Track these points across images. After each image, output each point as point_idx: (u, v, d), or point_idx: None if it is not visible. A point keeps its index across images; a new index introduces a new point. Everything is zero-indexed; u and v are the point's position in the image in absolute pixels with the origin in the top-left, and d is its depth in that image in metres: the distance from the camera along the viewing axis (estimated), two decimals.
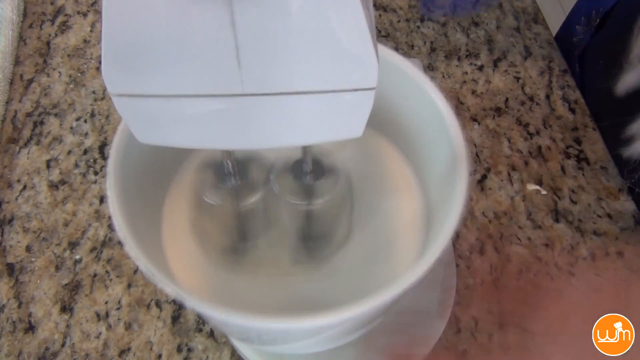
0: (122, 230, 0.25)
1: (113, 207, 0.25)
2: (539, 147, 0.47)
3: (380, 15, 0.56)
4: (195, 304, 0.23)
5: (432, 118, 0.30)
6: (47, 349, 0.37)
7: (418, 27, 0.55)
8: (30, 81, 0.50)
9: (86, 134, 0.47)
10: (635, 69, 0.43)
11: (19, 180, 0.44)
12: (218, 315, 0.23)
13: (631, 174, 0.44)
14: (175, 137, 0.20)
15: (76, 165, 0.45)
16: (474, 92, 0.50)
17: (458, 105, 0.49)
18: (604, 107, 0.49)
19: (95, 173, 0.45)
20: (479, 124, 0.48)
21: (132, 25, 0.17)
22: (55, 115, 0.48)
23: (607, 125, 0.48)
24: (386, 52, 0.31)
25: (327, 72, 0.18)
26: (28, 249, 0.41)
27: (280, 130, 0.20)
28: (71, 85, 0.50)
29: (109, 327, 0.38)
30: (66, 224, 0.42)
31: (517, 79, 0.51)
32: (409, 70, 0.31)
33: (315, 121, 0.20)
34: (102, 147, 0.46)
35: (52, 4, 0.56)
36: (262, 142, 0.21)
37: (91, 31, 0.54)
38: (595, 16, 0.52)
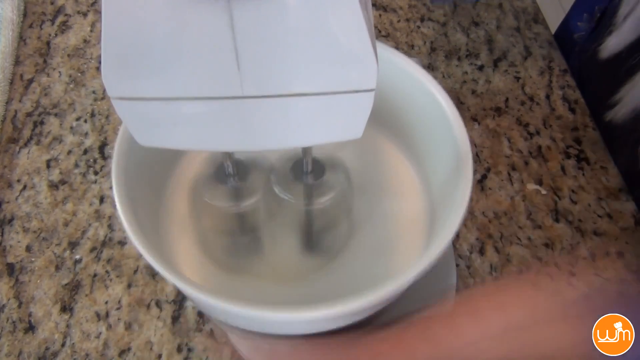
0: (126, 227, 0.25)
1: (118, 205, 0.26)
2: (539, 147, 0.47)
3: (380, 15, 0.56)
4: (201, 296, 0.23)
5: (436, 117, 0.30)
6: (47, 348, 0.37)
7: (418, 27, 0.55)
8: (30, 81, 0.50)
9: (86, 133, 0.47)
10: (620, 30, 0.43)
11: (19, 180, 0.44)
12: (225, 307, 0.23)
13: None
14: (176, 140, 0.20)
15: (76, 165, 0.45)
16: (474, 92, 0.50)
17: (458, 105, 0.49)
18: (591, 73, 0.49)
19: (95, 173, 0.45)
20: (479, 124, 0.48)
21: (132, 29, 0.17)
22: (55, 115, 0.48)
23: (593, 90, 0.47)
24: (389, 51, 0.31)
25: (326, 74, 0.18)
26: (28, 249, 0.41)
27: (279, 132, 0.20)
28: (71, 85, 0.50)
29: (109, 327, 0.38)
30: (66, 224, 0.42)
31: (517, 78, 0.51)
32: (413, 70, 0.31)
33: (314, 123, 0.20)
34: (102, 147, 0.46)
35: (52, 4, 0.56)
36: (261, 144, 0.21)
37: (91, 31, 0.54)
38: (597, 11, 0.52)
